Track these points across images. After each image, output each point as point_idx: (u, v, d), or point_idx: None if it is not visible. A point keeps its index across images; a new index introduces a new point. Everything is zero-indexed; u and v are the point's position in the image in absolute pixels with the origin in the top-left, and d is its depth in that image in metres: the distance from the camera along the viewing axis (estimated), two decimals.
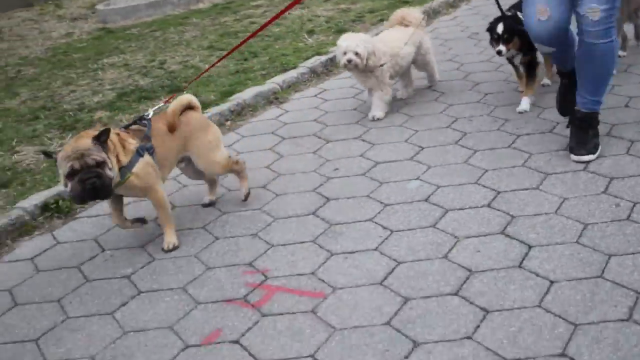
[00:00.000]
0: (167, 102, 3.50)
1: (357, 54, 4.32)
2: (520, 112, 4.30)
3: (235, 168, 3.61)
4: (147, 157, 3.21)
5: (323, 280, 2.86)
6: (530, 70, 4.37)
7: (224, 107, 4.91)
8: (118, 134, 3.17)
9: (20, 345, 2.75)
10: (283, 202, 3.58)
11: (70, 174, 2.94)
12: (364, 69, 4.40)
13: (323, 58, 5.73)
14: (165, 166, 3.36)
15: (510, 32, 4.16)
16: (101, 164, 2.95)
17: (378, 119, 4.51)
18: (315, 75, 5.56)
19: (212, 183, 3.71)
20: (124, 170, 3.12)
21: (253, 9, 8.20)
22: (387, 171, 3.76)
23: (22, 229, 3.64)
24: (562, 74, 3.95)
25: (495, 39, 4.24)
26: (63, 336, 2.76)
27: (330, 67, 5.68)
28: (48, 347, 2.70)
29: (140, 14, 8.93)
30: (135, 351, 2.60)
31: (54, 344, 2.72)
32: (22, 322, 2.90)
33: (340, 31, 6.21)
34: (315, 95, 5.16)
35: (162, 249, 3.28)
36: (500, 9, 4.19)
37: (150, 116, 3.33)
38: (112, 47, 7.44)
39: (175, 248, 3.28)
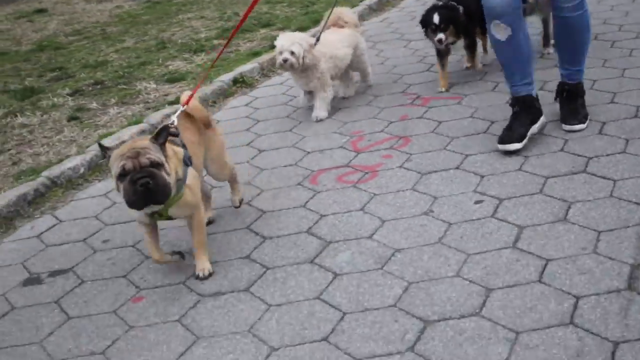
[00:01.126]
0: (185, 104, 3.06)
1: (292, 53, 4.26)
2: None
3: (234, 173, 3.40)
4: (191, 168, 2.86)
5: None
6: (470, 49, 4.73)
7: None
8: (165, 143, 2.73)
9: None
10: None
11: (122, 175, 2.58)
12: (302, 69, 4.33)
13: None
14: (199, 175, 3.06)
15: (446, 20, 4.33)
16: (157, 165, 2.58)
17: (321, 120, 4.47)
18: None
19: (207, 199, 3.36)
20: (180, 183, 2.76)
21: None
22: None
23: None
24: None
25: (433, 29, 4.38)
26: None
27: None
28: None
29: None
30: None
31: None
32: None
33: None
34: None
35: (197, 277, 2.92)
36: None
37: (176, 123, 2.92)
38: (174, 9, 8.76)
39: (210, 274, 2.92)
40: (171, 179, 2.65)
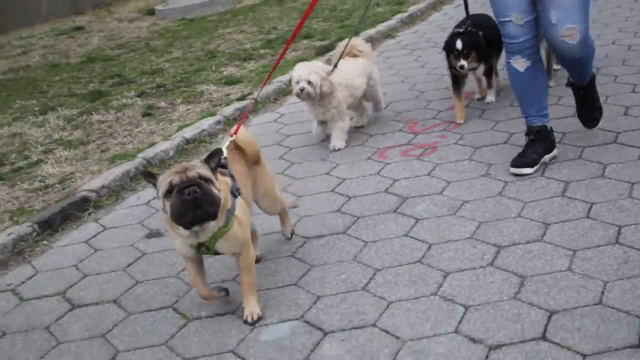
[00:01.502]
0: (233, 134, 3.02)
1: (309, 82, 4.30)
2: (488, 103, 4.78)
3: (284, 206, 3.36)
4: (241, 199, 2.78)
5: None
6: (488, 76, 4.77)
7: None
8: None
9: None
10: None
11: (169, 191, 2.51)
12: (319, 98, 4.37)
13: None
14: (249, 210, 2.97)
15: (469, 46, 4.37)
16: (206, 179, 2.52)
17: (339, 149, 4.52)
18: None
19: (254, 236, 3.20)
20: (228, 214, 2.67)
21: None
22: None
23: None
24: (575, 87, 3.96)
25: (456, 55, 4.41)
26: None
27: None
28: None
29: (195, 12, 10.33)
30: None
31: None
32: None
33: None
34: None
35: (245, 321, 2.82)
36: (465, 19, 4.53)
37: (225, 154, 2.83)
38: (211, 25, 9.46)
39: (260, 319, 2.82)
40: (221, 196, 2.55)
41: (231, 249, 2.75)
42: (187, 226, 2.57)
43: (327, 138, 4.69)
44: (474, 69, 4.61)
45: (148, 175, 2.68)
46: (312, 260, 3.29)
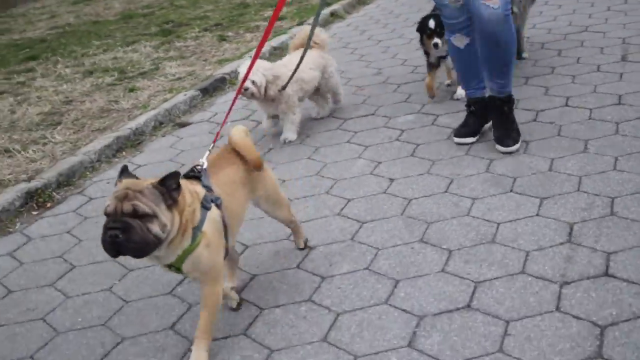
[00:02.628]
0: (214, 141, 2.82)
1: (253, 82, 4.24)
2: (457, 99, 4.69)
3: (294, 219, 3.15)
4: (214, 210, 2.48)
5: None
6: None
7: None
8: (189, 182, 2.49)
9: None
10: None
11: (105, 214, 2.27)
12: (263, 98, 4.35)
13: None
14: (235, 224, 2.68)
15: (442, 26, 4.25)
16: (142, 216, 2.23)
17: (290, 141, 4.53)
18: None
19: (232, 264, 2.96)
20: (195, 231, 2.39)
21: None
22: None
23: None
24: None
25: (429, 34, 4.53)
26: None
27: None
28: None
29: None
30: None
31: None
32: None
33: None
34: None
35: None
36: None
37: (205, 165, 2.60)
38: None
39: None
40: (163, 232, 2.27)
41: (194, 273, 2.47)
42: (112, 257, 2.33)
43: (278, 131, 4.73)
44: (444, 57, 4.67)
45: (123, 172, 2.41)
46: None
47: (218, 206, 2.51)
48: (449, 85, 5.04)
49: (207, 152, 2.70)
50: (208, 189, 2.53)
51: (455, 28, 3.90)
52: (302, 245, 3.21)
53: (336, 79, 4.87)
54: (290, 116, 4.54)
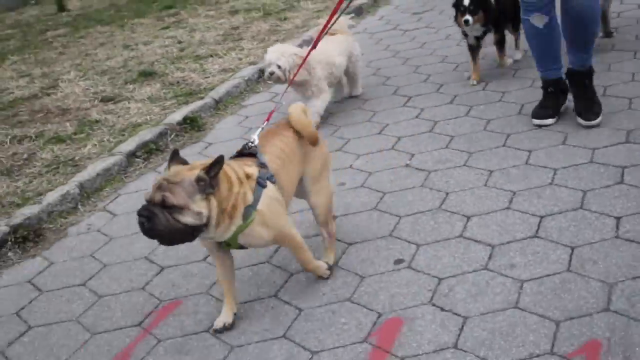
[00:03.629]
0: (267, 120, 2.99)
1: (279, 66, 4.29)
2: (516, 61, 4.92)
3: (331, 223, 3.05)
4: (270, 187, 2.63)
5: None
6: (501, 46, 4.90)
7: None
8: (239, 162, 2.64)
9: None
10: None
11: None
12: (299, 83, 4.36)
13: None
14: (289, 194, 2.82)
15: (476, 3, 4.40)
16: (170, 207, 2.40)
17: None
18: None
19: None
20: (249, 209, 2.55)
21: None
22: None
23: None
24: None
25: (462, 11, 4.52)
26: None
27: None
28: None
29: None
30: None
31: None
32: None
33: None
34: None
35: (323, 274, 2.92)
36: None
37: (256, 142, 2.74)
38: None
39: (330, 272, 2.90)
40: (199, 220, 2.43)
41: (255, 244, 2.68)
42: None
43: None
44: (482, 36, 4.72)
45: (174, 155, 2.60)
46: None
47: (264, 186, 2.62)
48: (516, 60, 5.08)
49: (260, 129, 2.85)
50: (263, 165, 2.66)
51: (535, 7, 3.81)
52: (331, 262, 3.02)
53: (360, 65, 4.97)
54: (317, 101, 4.51)
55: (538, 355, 2.34)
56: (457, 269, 2.88)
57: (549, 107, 4.01)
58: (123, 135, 4.84)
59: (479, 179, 3.56)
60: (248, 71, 5.80)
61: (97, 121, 5.20)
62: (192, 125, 4.92)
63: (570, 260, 2.80)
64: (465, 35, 4.75)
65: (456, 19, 4.68)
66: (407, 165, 3.85)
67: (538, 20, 3.83)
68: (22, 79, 6.71)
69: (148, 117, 5.12)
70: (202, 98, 5.34)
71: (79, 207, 4.05)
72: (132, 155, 4.51)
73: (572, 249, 2.87)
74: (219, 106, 5.29)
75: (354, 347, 2.56)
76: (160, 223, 2.41)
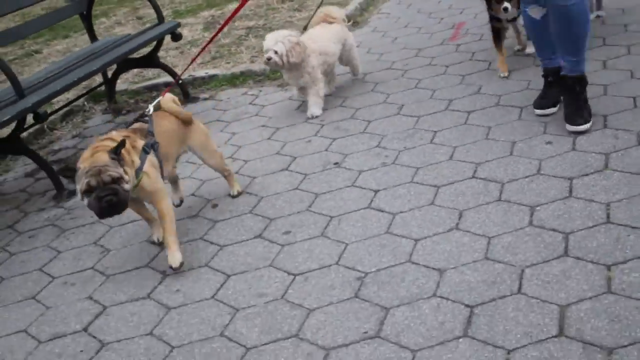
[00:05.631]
0: (164, 94, 3.56)
1: (275, 52, 4.42)
2: (528, 54, 4.84)
3: (227, 168, 3.80)
4: (151, 155, 3.21)
5: None
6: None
7: None
8: (128, 136, 3.14)
9: None
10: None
11: (87, 191, 2.92)
12: (289, 67, 4.51)
13: None
14: (169, 160, 3.41)
15: None
16: (118, 180, 2.93)
17: (316, 117, 4.64)
18: None
19: (175, 182, 3.76)
20: (138, 171, 3.10)
21: None
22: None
23: None
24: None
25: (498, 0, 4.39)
26: None
27: None
28: None
29: None
30: None
31: None
32: None
33: None
34: None
35: (170, 267, 3.15)
36: None
37: (151, 112, 3.38)
38: None
39: (181, 265, 3.16)
40: (130, 182, 3.01)
41: (146, 197, 3.25)
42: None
43: (304, 105, 4.89)
44: (514, 19, 4.67)
45: (66, 169, 3.07)
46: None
47: (155, 150, 3.23)
48: (519, 50, 5.02)
49: (156, 101, 3.49)
50: (151, 133, 3.27)
51: None
52: (235, 193, 3.82)
53: (355, 52, 5.08)
54: (313, 89, 4.65)
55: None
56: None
57: (548, 96, 4.00)
58: None
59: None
60: None
61: None
62: None
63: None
64: (494, 20, 4.58)
65: (489, 7, 4.52)
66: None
67: (535, 12, 3.84)
68: None
69: None
70: None
71: None
72: None
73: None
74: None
75: None
76: (122, 194, 2.93)
